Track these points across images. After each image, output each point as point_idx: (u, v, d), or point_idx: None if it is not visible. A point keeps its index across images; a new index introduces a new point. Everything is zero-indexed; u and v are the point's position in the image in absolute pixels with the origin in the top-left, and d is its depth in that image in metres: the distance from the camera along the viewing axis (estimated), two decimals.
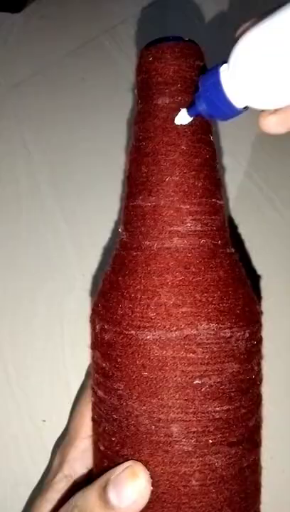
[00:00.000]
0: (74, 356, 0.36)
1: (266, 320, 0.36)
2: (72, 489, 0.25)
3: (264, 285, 0.37)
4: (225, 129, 0.41)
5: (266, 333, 0.36)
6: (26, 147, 0.43)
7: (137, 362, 0.21)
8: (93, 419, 0.25)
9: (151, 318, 0.21)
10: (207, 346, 0.21)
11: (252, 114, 0.41)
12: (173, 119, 0.23)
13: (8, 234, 0.40)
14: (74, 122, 0.43)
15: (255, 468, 0.24)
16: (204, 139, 0.23)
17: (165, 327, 0.21)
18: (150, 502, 0.21)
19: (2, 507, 0.34)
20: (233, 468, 0.22)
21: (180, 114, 0.22)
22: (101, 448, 0.24)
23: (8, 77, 0.46)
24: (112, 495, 0.21)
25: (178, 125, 0.23)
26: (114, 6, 0.48)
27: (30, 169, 0.42)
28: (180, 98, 0.23)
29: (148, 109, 0.23)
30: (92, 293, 0.37)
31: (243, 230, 0.38)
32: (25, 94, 0.45)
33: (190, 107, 0.22)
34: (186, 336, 0.21)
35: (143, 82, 0.24)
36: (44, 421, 0.35)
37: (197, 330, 0.21)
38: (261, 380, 0.24)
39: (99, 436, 0.24)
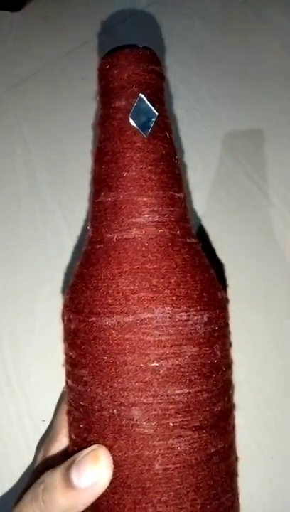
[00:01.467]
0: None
1: (266, 320, 0.36)
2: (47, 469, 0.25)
3: (265, 285, 0.36)
4: (225, 129, 0.42)
5: (266, 333, 0.36)
6: (26, 147, 0.43)
7: (98, 347, 0.22)
8: (66, 411, 0.26)
9: (110, 305, 0.22)
10: (164, 329, 0.21)
11: (252, 114, 0.42)
12: (128, 120, 0.24)
13: (8, 234, 0.40)
14: (74, 122, 0.44)
15: (225, 455, 0.23)
16: (160, 136, 0.25)
17: (122, 312, 0.22)
18: (115, 487, 0.22)
19: (2, 507, 0.34)
20: (198, 453, 0.22)
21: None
22: (72, 436, 0.24)
23: (7, 76, 0.47)
24: (74, 475, 0.21)
25: (132, 124, 0.24)
26: (114, 5, 0.49)
27: (30, 169, 0.43)
28: (134, 100, 0.24)
29: (107, 112, 0.25)
30: None
31: (243, 230, 0.39)
32: (24, 94, 0.46)
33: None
34: (142, 319, 0.21)
35: (103, 89, 0.26)
36: (44, 421, 0.35)
37: (152, 313, 0.21)
38: (228, 366, 0.24)
39: (70, 425, 0.25)
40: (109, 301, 0.22)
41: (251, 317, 0.36)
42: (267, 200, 0.39)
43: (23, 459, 0.34)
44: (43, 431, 0.35)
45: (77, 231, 0.40)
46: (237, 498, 0.25)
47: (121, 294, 0.22)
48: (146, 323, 0.21)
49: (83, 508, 0.22)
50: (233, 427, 0.25)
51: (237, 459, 0.26)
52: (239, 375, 0.34)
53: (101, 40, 0.47)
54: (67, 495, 0.22)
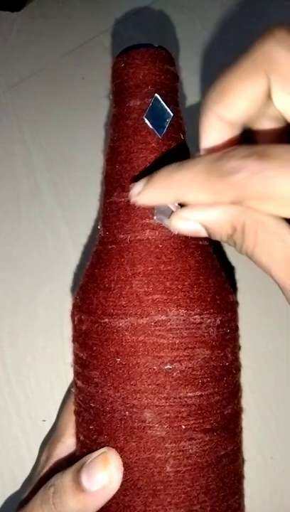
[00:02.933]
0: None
1: (266, 321, 0.36)
2: (55, 471, 0.25)
3: (265, 285, 0.36)
4: None
5: (266, 333, 0.36)
6: (26, 147, 0.43)
7: (111, 349, 0.22)
8: (74, 411, 0.25)
9: (123, 306, 0.22)
10: (177, 332, 0.21)
11: None
12: (144, 120, 0.24)
13: (8, 234, 0.40)
14: (74, 122, 0.43)
15: (234, 458, 0.23)
16: (174, 137, 0.24)
17: (136, 314, 0.21)
18: (125, 489, 0.22)
19: (3, 507, 0.34)
20: (209, 455, 0.22)
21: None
22: (81, 438, 0.24)
23: (7, 76, 0.46)
24: (84, 478, 0.21)
25: (148, 125, 0.23)
26: (114, 5, 0.48)
27: (30, 169, 0.42)
28: (150, 100, 0.24)
29: (121, 112, 0.25)
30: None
31: None
32: (25, 94, 0.45)
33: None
34: (156, 321, 0.21)
35: (117, 87, 0.25)
36: (44, 421, 0.35)
37: (166, 316, 0.21)
38: (237, 369, 0.24)
39: (78, 426, 0.25)
40: (123, 302, 0.22)
41: (251, 317, 0.36)
42: None
43: (23, 459, 0.34)
44: (43, 431, 0.35)
45: (77, 231, 0.39)
46: (243, 500, 0.25)
47: (135, 296, 0.22)
48: (159, 326, 0.21)
49: (94, 510, 0.22)
50: (241, 429, 0.25)
51: (243, 461, 0.26)
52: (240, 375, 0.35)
53: (101, 40, 0.47)
54: (77, 498, 0.22)
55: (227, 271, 0.33)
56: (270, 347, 0.36)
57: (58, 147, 0.43)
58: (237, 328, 0.25)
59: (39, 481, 0.27)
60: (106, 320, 0.22)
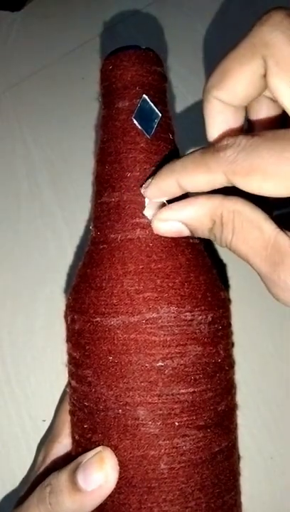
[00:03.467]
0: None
1: (266, 321, 0.35)
2: (52, 470, 0.25)
3: (260, 282, 0.36)
4: None
5: (265, 334, 0.36)
6: (26, 147, 0.43)
7: (103, 347, 0.22)
8: (69, 411, 0.26)
9: (115, 305, 0.22)
10: (169, 329, 0.21)
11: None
12: (132, 121, 0.24)
13: (8, 234, 0.40)
14: (74, 122, 0.44)
15: (229, 454, 0.23)
16: (163, 137, 0.25)
17: (127, 312, 0.22)
18: (120, 487, 0.22)
19: (2, 507, 0.34)
20: (203, 452, 0.22)
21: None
22: (76, 437, 0.24)
23: (8, 76, 0.46)
24: (80, 478, 0.21)
25: (136, 125, 0.24)
26: (114, 5, 0.48)
27: (30, 169, 0.42)
28: (138, 100, 0.24)
29: (110, 113, 0.25)
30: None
31: None
32: (25, 94, 0.45)
33: None
34: (147, 319, 0.21)
35: (105, 89, 0.26)
36: (44, 421, 0.35)
37: (158, 313, 0.21)
38: (230, 366, 0.25)
39: (73, 425, 0.25)
40: (114, 301, 0.22)
41: (250, 318, 0.36)
42: None
43: (23, 459, 0.34)
44: (43, 431, 0.35)
45: (77, 231, 0.40)
46: (240, 497, 0.25)
47: (126, 294, 0.22)
48: (151, 323, 0.21)
49: (90, 510, 0.22)
50: (235, 425, 0.25)
51: (239, 457, 0.26)
52: (239, 375, 0.34)
53: (101, 40, 0.47)
54: (73, 497, 0.22)
55: (219, 268, 0.33)
56: (270, 347, 0.36)
57: (58, 147, 0.43)
58: (229, 325, 0.25)
59: (36, 480, 0.27)
60: (98, 319, 0.22)
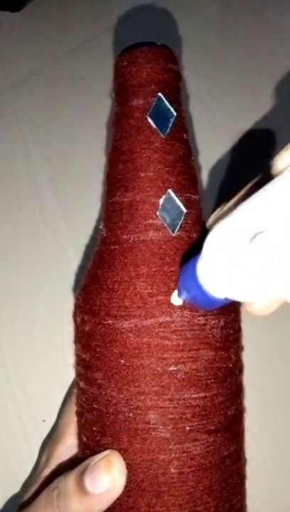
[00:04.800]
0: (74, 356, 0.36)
1: (266, 320, 0.35)
2: (58, 473, 0.25)
3: None
4: (225, 129, 0.42)
5: (266, 333, 0.36)
6: (26, 147, 0.43)
7: (114, 350, 0.22)
8: (76, 413, 0.25)
9: (127, 307, 0.21)
10: (182, 333, 0.21)
11: (251, 114, 0.41)
12: (147, 120, 0.23)
13: (8, 234, 0.40)
14: (74, 122, 0.43)
15: (237, 458, 0.23)
16: (178, 136, 0.24)
17: (140, 315, 0.21)
18: (129, 490, 0.21)
19: (2, 507, 0.33)
20: (212, 456, 0.22)
21: (173, 295, 0.21)
22: (84, 439, 0.24)
23: (8, 76, 0.46)
24: (88, 482, 0.21)
25: (151, 124, 0.23)
26: (114, 5, 0.48)
27: (30, 169, 0.42)
28: (153, 99, 0.23)
29: (123, 111, 0.24)
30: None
31: None
32: (25, 94, 0.45)
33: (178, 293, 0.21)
34: (161, 323, 0.21)
35: (119, 86, 0.25)
36: (44, 421, 0.34)
37: (171, 317, 0.21)
38: (240, 370, 0.24)
39: (81, 427, 0.24)
40: (127, 304, 0.21)
41: (250, 318, 0.36)
42: None
43: (23, 459, 0.34)
44: (43, 431, 0.34)
45: (77, 231, 0.39)
46: (245, 500, 0.25)
47: (139, 297, 0.21)
48: (164, 327, 0.21)
49: None
50: (243, 429, 0.25)
51: (245, 461, 0.25)
52: None
53: (101, 40, 0.47)
54: (81, 501, 0.21)
55: None
56: (270, 346, 0.36)
57: (58, 147, 0.43)
58: (239, 329, 0.25)
59: (41, 483, 0.27)
60: (110, 321, 0.22)
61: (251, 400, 0.35)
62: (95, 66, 0.45)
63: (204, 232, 0.24)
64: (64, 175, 0.41)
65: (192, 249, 0.23)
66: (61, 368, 0.35)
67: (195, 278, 0.18)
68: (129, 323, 0.21)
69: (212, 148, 0.42)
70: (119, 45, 0.46)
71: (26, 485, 0.33)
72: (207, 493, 0.21)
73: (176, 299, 0.21)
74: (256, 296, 0.17)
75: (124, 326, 0.21)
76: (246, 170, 0.40)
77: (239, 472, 0.24)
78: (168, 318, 0.21)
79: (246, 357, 0.36)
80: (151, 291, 0.21)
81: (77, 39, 0.47)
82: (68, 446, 0.28)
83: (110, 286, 0.22)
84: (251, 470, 0.32)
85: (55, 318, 0.37)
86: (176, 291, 0.21)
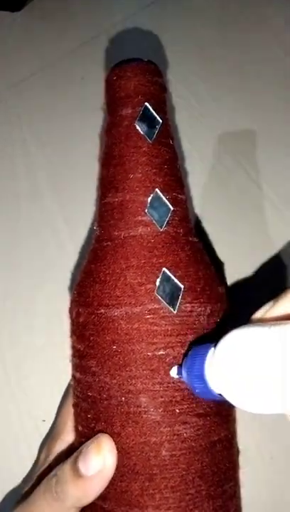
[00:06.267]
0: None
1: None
2: (55, 466, 0.28)
3: (265, 286, 0.38)
4: (225, 129, 0.44)
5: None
6: (26, 147, 0.45)
7: (107, 337, 0.24)
8: (73, 404, 0.28)
9: (118, 297, 0.25)
10: (170, 319, 0.24)
11: (252, 114, 0.44)
12: (135, 127, 0.27)
13: (8, 234, 0.42)
14: (74, 122, 0.46)
15: (227, 445, 0.26)
16: (164, 142, 0.28)
17: (130, 303, 0.24)
18: (123, 475, 0.24)
19: (2, 506, 0.36)
20: (202, 439, 0.24)
21: (173, 369, 0.24)
22: (79, 428, 0.26)
23: (8, 76, 0.49)
24: (81, 465, 0.24)
25: (139, 131, 0.27)
26: (114, 5, 0.51)
27: (30, 169, 0.44)
28: (140, 108, 0.27)
29: (114, 120, 0.28)
30: None
31: (243, 230, 0.40)
32: (25, 94, 0.48)
33: (179, 367, 0.24)
34: (150, 309, 0.24)
35: (110, 98, 0.29)
36: (44, 421, 0.37)
37: (159, 304, 0.24)
38: None
39: (77, 417, 0.27)
40: (118, 293, 0.25)
41: (249, 316, 0.38)
42: (267, 200, 0.41)
43: (23, 459, 0.36)
44: (43, 431, 0.36)
45: (77, 231, 0.41)
46: (239, 489, 0.27)
47: (129, 287, 0.25)
48: (153, 313, 0.24)
49: (94, 496, 0.24)
50: (234, 419, 0.27)
51: (238, 451, 0.28)
52: None
53: (101, 40, 0.49)
54: (76, 484, 0.24)
55: (217, 266, 0.35)
56: None
57: (58, 147, 0.45)
58: (227, 319, 0.27)
59: (39, 477, 0.29)
60: (102, 310, 0.25)
61: None
62: (95, 66, 0.48)
63: (191, 230, 0.28)
64: (64, 175, 0.44)
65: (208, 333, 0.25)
66: (61, 367, 0.37)
67: (201, 364, 0.20)
68: (120, 311, 0.24)
69: (212, 148, 0.44)
70: (118, 46, 0.48)
71: (25, 481, 0.35)
72: (199, 477, 0.24)
73: (174, 372, 0.24)
74: (258, 410, 0.18)
75: (116, 313, 0.24)
76: (246, 169, 0.43)
77: (231, 459, 0.26)
78: (156, 305, 0.24)
79: None
80: (140, 280, 0.24)
81: (77, 39, 0.50)
82: (67, 443, 0.30)
83: (102, 279, 0.25)
84: (251, 470, 0.34)
85: (55, 317, 0.39)
86: (176, 367, 0.23)
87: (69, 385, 0.36)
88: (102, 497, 0.25)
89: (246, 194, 0.42)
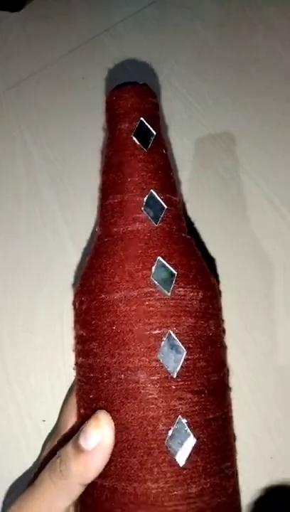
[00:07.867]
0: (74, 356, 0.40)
1: (266, 320, 0.42)
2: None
3: (265, 286, 0.42)
4: (225, 129, 0.48)
5: (266, 333, 0.42)
6: (26, 147, 0.50)
7: (107, 319, 0.29)
8: (76, 391, 0.32)
9: (117, 283, 0.30)
10: (165, 301, 0.29)
11: (252, 114, 0.48)
12: (132, 138, 0.34)
13: (8, 234, 0.46)
14: (74, 122, 0.50)
15: (223, 424, 0.29)
16: (158, 151, 0.35)
17: (128, 287, 0.29)
18: (122, 450, 0.28)
19: (2, 506, 0.38)
20: (198, 416, 0.28)
21: None
22: (82, 411, 0.30)
23: (8, 76, 0.53)
24: (82, 441, 0.28)
25: (136, 142, 0.34)
26: (114, 5, 0.56)
27: (30, 169, 0.48)
28: (136, 123, 0.34)
29: (113, 134, 0.35)
30: None
31: (243, 230, 0.44)
32: (25, 94, 0.52)
33: None
34: (146, 293, 0.29)
35: (110, 115, 0.36)
36: (44, 421, 0.40)
37: (155, 288, 0.29)
38: (222, 347, 0.32)
39: (80, 401, 0.31)
40: (117, 279, 0.30)
41: (250, 317, 0.42)
42: (267, 200, 0.45)
43: (23, 459, 0.39)
44: (43, 431, 0.40)
45: (77, 230, 0.45)
46: (237, 472, 0.32)
47: (127, 273, 0.30)
48: (149, 296, 0.29)
49: (96, 471, 0.28)
50: (230, 403, 0.31)
51: (235, 437, 0.33)
52: (240, 375, 0.40)
53: (101, 40, 0.54)
54: (78, 460, 0.28)
55: (208, 261, 0.40)
56: (270, 346, 0.41)
57: (58, 147, 0.49)
58: (219, 308, 0.33)
59: (43, 462, 0.33)
60: (103, 296, 0.30)
61: (251, 400, 0.40)
62: (95, 66, 0.52)
63: (183, 228, 0.34)
64: (64, 175, 0.48)
65: None
66: (61, 368, 0.41)
67: None
68: (119, 295, 0.29)
69: (212, 148, 0.47)
70: (118, 46, 0.53)
71: (28, 483, 0.40)
72: (195, 452, 0.27)
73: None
74: None
75: (115, 297, 0.29)
76: (246, 169, 0.48)
77: (227, 441, 0.30)
78: (152, 289, 0.29)
79: (246, 356, 0.41)
80: (137, 267, 0.30)
81: (77, 39, 0.54)
82: None
83: (103, 268, 0.31)
84: (251, 470, 0.37)
85: (55, 317, 0.42)
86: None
87: (71, 386, 0.40)
88: (103, 475, 0.28)
89: (247, 194, 0.45)
